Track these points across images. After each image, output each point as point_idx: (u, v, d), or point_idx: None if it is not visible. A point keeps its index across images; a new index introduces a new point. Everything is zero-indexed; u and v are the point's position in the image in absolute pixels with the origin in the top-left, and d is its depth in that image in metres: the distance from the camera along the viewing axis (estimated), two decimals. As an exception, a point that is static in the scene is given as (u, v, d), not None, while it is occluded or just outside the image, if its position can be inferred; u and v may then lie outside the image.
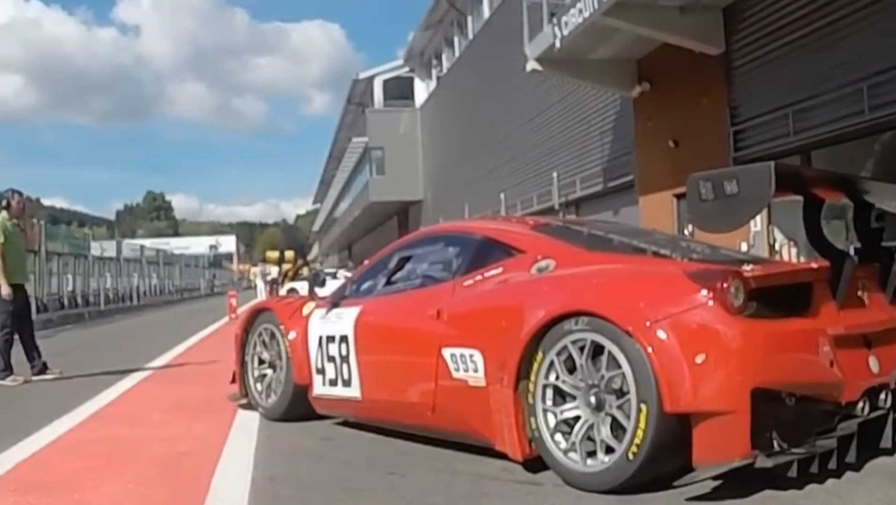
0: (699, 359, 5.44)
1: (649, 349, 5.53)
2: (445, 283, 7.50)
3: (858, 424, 5.94)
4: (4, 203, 13.85)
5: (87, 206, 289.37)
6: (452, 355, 6.79)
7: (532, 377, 6.16)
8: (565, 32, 23.10)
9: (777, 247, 20.88)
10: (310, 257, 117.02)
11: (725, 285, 5.51)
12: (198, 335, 22.17)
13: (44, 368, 13.74)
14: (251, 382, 9.34)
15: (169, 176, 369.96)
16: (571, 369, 6.02)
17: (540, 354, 6.11)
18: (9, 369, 13.34)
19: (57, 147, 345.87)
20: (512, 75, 36.37)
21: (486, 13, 45.74)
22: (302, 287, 47.82)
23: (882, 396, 6.14)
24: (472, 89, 47.44)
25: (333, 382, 8.19)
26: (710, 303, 5.52)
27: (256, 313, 9.42)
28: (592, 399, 5.88)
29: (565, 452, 6.00)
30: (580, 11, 21.90)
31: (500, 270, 7.09)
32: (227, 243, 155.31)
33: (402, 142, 61.72)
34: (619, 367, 5.69)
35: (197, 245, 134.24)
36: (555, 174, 34.58)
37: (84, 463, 7.16)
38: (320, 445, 7.58)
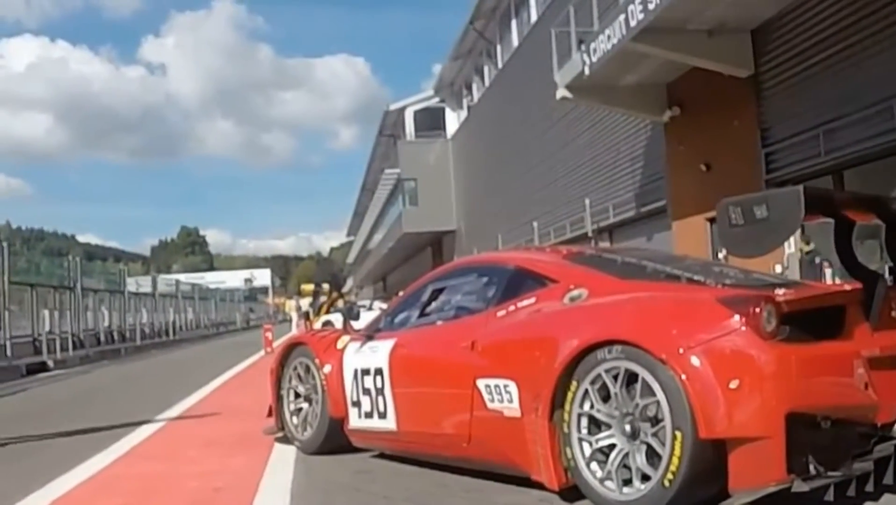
0: (733, 385, 5.39)
1: (683, 376, 5.49)
2: (479, 314, 7.46)
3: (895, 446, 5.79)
4: None
5: (120, 242, 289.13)
6: (487, 386, 6.75)
7: (566, 406, 6.10)
8: (594, 59, 23.11)
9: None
10: (345, 290, 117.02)
11: (758, 310, 5.45)
12: (233, 369, 22.20)
13: None
14: (287, 415, 9.32)
15: (202, 211, 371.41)
16: (606, 398, 5.97)
17: (574, 384, 6.06)
18: None
19: (88, 184, 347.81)
20: (542, 103, 36.37)
21: (515, 42, 45.79)
22: (337, 319, 47.90)
23: None
24: (502, 118, 47.49)
25: (369, 415, 8.16)
26: (743, 328, 5.46)
27: (292, 347, 9.42)
28: (627, 427, 5.83)
29: (601, 480, 5.93)
30: (608, 38, 21.90)
31: (533, 300, 7.05)
32: (262, 277, 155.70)
33: (435, 172, 61.78)
34: (654, 394, 5.65)
35: (232, 279, 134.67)
36: (587, 201, 34.51)
37: (119, 500, 7.16)
38: (357, 478, 7.56)
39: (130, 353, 38.86)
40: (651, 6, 19.49)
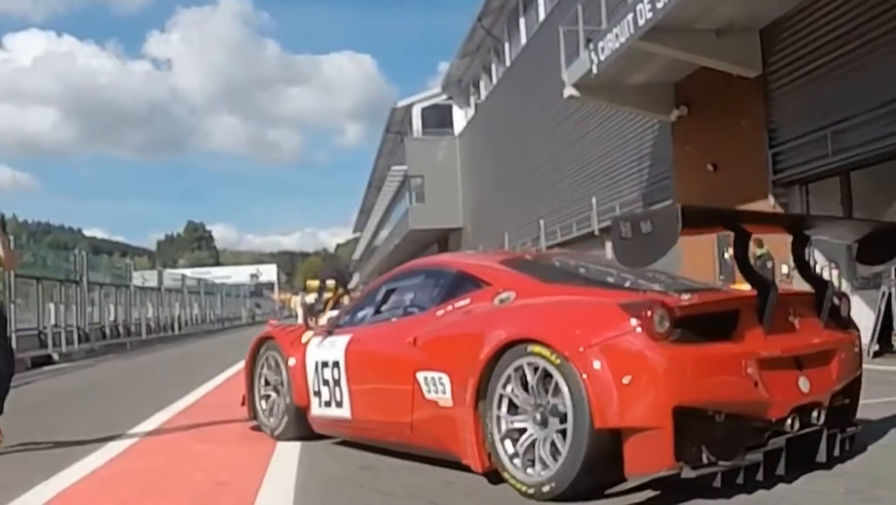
0: (626, 380, 5.95)
1: (583, 372, 6.06)
2: (423, 312, 8.16)
3: (794, 439, 6.44)
4: None
5: (127, 236, 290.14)
6: (425, 378, 7.36)
7: (489, 393, 6.68)
8: (602, 58, 23.12)
9: (818, 269, 20.75)
10: (350, 286, 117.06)
11: (650, 314, 5.99)
12: (238, 365, 22.13)
13: None
14: (257, 404, 10.05)
15: (208, 206, 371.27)
16: (524, 387, 6.51)
17: (496, 376, 6.65)
18: None
19: (95, 179, 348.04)
20: (550, 101, 36.40)
21: (524, 40, 45.81)
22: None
23: (814, 413, 6.59)
24: (510, 116, 47.49)
25: (328, 404, 8.82)
26: (638, 330, 6.01)
27: (262, 341, 10.12)
28: (538, 416, 6.42)
29: (511, 457, 6.52)
30: (616, 37, 21.91)
31: (468, 300, 7.73)
32: (268, 272, 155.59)
33: (442, 169, 61.88)
34: (560, 388, 6.21)
35: (238, 274, 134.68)
36: (593, 200, 34.54)
37: (123, 494, 7.15)
38: (361, 474, 7.54)
39: (136, 347, 38.79)
40: (660, 5, 19.50)
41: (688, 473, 5.89)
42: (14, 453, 9.03)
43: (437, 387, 7.27)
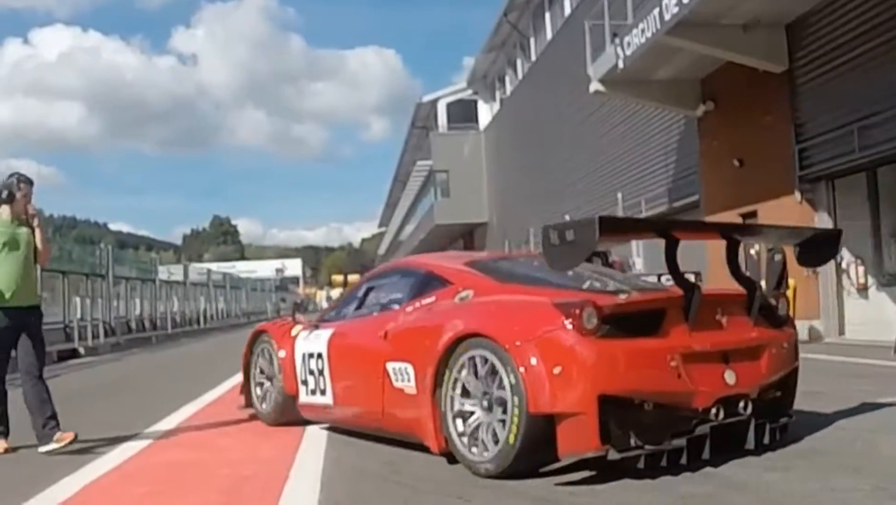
0: (556, 371, 6.71)
1: (520, 365, 6.84)
2: (394, 309, 9.04)
3: (723, 426, 7.12)
4: (5, 194, 9.42)
5: (152, 231, 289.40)
6: (394, 369, 8.22)
7: (444, 378, 7.51)
8: (628, 53, 23.08)
9: (844, 265, 20.72)
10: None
11: (579, 312, 6.73)
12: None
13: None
14: (252, 392, 10.93)
15: (233, 201, 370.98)
16: (475, 375, 7.32)
17: (451, 365, 7.49)
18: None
19: (121, 173, 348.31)
20: (575, 96, 36.32)
21: (549, 34, 45.71)
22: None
23: (741, 404, 7.23)
24: (535, 111, 47.42)
25: (313, 392, 9.72)
26: (569, 326, 6.76)
27: (258, 335, 11.12)
28: (485, 403, 7.21)
29: (460, 435, 7.35)
30: (642, 31, 21.87)
31: (433, 298, 8.57)
32: (293, 267, 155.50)
33: (467, 164, 61.85)
34: (502, 377, 6.98)
35: (263, 269, 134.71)
36: (619, 195, 34.45)
37: (148, 488, 7.18)
38: (386, 468, 7.58)
39: (161, 341, 38.91)
40: (686, 0, 19.45)
41: (613, 454, 6.60)
42: (38, 447, 9.06)
43: (403, 376, 8.12)
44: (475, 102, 65.25)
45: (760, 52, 21.38)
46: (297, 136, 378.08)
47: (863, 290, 20.51)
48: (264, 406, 10.64)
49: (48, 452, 8.86)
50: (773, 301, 8.19)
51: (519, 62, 53.84)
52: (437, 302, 8.50)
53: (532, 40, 50.10)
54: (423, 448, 7.83)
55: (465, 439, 7.31)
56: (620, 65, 23.79)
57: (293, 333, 10.35)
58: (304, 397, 9.93)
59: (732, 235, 8.46)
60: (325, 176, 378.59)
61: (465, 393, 7.41)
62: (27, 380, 9.23)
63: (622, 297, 7.32)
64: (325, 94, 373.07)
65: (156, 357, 27.33)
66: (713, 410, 7.04)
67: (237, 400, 11.27)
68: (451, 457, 7.44)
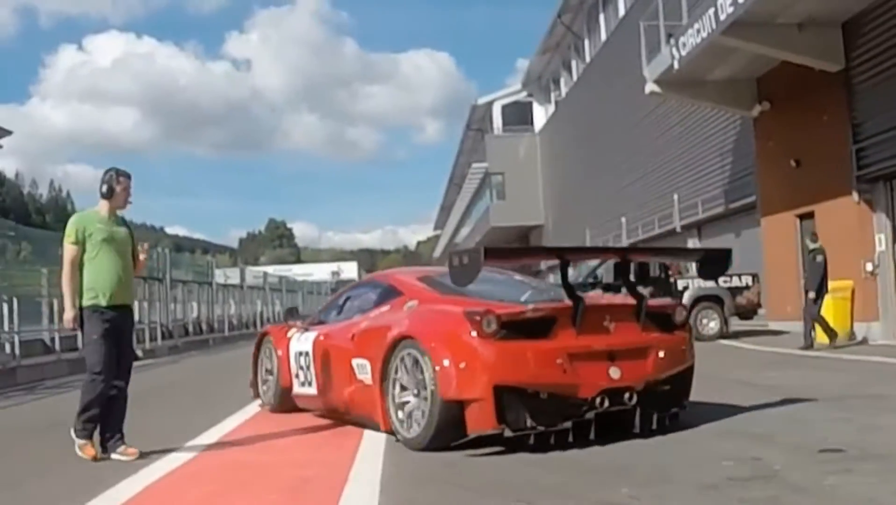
0: (461, 365, 8.42)
1: (436, 362, 8.54)
2: (363, 315, 10.83)
3: (614, 413, 8.63)
4: (105, 189, 9.18)
5: (208, 234, 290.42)
6: (357, 364, 10.00)
7: (389, 376, 9.22)
8: (683, 53, 23.02)
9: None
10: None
11: (480, 319, 8.41)
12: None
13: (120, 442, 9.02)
14: (259, 385, 12.92)
15: (288, 204, 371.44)
16: (406, 371, 9.01)
17: (392, 362, 9.20)
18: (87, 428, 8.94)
19: (176, 178, 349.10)
20: (631, 97, 36.26)
21: (604, 36, 45.67)
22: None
23: (626, 395, 8.68)
24: (590, 112, 47.36)
25: (303, 384, 11.63)
26: (473, 331, 8.44)
27: (263, 336, 13.22)
28: (416, 391, 8.89)
29: (400, 422, 9.03)
30: (698, 32, 21.81)
31: (389, 307, 10.41)
32: (349, 270, 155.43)
33: (522, 167, 61.75)
34: (425, 370, 8.65)
35: (319, 272, 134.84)
36: (676, 196, 34.41)
37: (210, 488, 7.25)
38: (446, 470, 7.60)
39: (218, 343, 39.11)
40: (741, 0, 19.38)
41: (508, 433, 8.26)
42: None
43: (363, 370, 9.84)
44: (530, 104, 65.18)
45: (816, 51, 21.26)
46: (351, 139, 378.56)
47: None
48: (267, 397, 12.55)
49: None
50: (670, 311, 9.71)
51: (574, 63, 53.81)
52: (390, 310, 10.30)
53: (586, 41, 50.05)
54: (487, 452, 7.93)
55: (402, 420, 9.02)
56: (676, 65, 23.74)
57: (288, 334, 12.28)
58: (296, 389, 11.83)
59: (626, 256, 10.71)
60: (379, 179, 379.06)
61: (402, 383, 9.09)
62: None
63: (528, 306, 8.95)
64: (378, 97, 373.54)
65: (213, 360, 27.48)
66: (598, 400, 8.54)
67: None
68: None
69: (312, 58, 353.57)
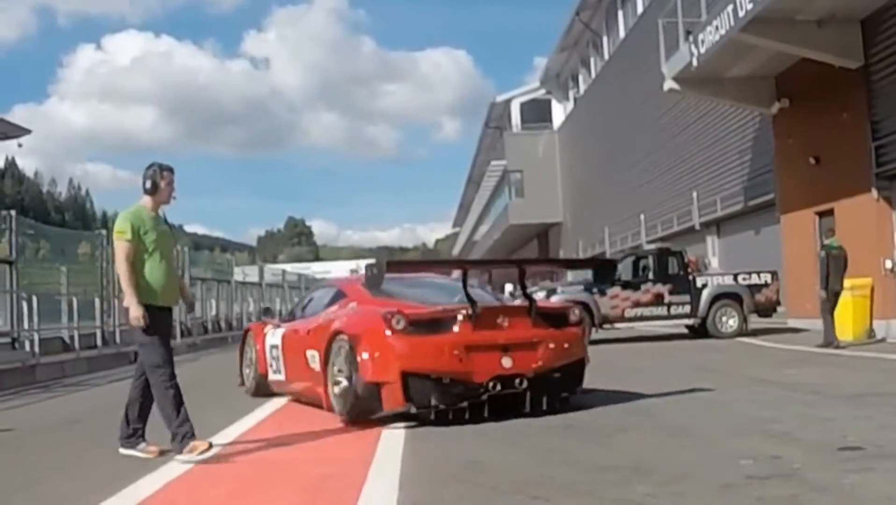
0: (377, 355, 10.27)
1: (358, 352, 10.39)
2: (318, 314, 12.69)
3: (493, 396, 10.36)
4: (149, 185, 9.04)
5: (227, 232, 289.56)
6: (310, 355, 11.77)
7: (329, 363, 10.97)
8: (702, 50, 22.99)
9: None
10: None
11: (391, 317, 10.29)
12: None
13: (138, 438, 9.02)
14: (243, 373, 15.19)
15: (307, 202, 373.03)
16: (343, 359, 10.70)
17: (332, 351, 10.94)
18: (185, 426, 8.60)
19: (195, 176, 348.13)
20: (649, 94, 36.23)
21: (622, 33, 45.64)
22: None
23: (517, 381, 10.42)
24: (609, 110, 47.32)
25: (275, 372, 13.60)
26: (387, 329, 10.30)
27: (246, 332, 15.61)
28: (347, 375, 10.56)
29: (335, 398, 10.84)
30: (716, 29, 21.78)
31: (337, 307, 12.34)
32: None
33: (541, 164, 61.76)
34: (353, 359, 10.44)
35: (338, 269, 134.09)
36: (694, 194, 34.37)
37: (230, 486, 7.26)
38: (465, 468, 7.59)
39: (237, 341, 39.07)
40: (760, -3, 19.36)
41: (412, 409, 10.12)
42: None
43: (314, 359, 11.60)
44: (549, 102, 65.15)
45: (835, 48, 21.20)
46: (370, 138, 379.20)
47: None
48: (249, 383, 14.70)
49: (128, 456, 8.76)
50: (565, 311, 11.77)
51: (592, 61, 53.77)
52: (337, 309, 12.22)
53: (605, 39, 50.03)
54: (506, 451, 7.91)
55: (336, 397, 10.80)
56: (694, 63, 23.72)
57: (265, 330, 14.40)
58: (270, 376, 13.83)
59: (521, 267, 12.40)
60: (397, 177, 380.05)
61: (338, 368, 10.80)
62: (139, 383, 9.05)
63: (434, 307, 10.94)
64: (396, 95, 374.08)
65: (231, 357, 27.39)
66: (491, 384, 10.31)
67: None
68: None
69: (330, 56, 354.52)
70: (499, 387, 10.28)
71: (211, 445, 8.44)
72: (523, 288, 12.33)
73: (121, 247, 8.74)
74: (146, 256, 8.77)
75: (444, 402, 10.12)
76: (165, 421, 8.61)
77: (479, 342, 10.39)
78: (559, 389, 10.94)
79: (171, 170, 9.13)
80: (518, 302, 12.50)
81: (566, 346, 11.00)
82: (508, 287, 56.67)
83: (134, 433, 8.94)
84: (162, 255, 8.91)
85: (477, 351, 10.33)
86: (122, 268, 8.71)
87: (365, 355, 10.25)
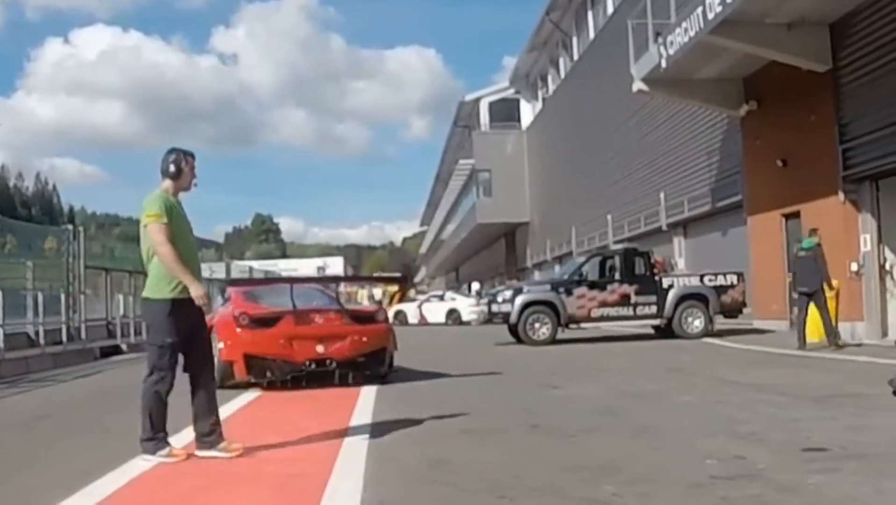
0: (228, 342, 14.19)
1: (219, 341, 13.99)
2: (216, 312, 15.42)
3: (311, 372, 14.28)
4: (173, 169, 8.66)
5: (194, 228, 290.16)
6: (214, 337, 13.34)
7: (213, 348, 11.95)
8: (671, 52, 23.05)
9: (888, 266, 20.61)
10: (416, 280, 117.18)
11: (238, 316, 14.34)
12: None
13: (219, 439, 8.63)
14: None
15: (275, 199, 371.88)
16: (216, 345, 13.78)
17: (212, 339, 12.06)
18: (160, 434, 8.44)
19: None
20: (618, 95, 36.29)
21: (592, 34, 45.71)
22: (409, 309, 48.01)
23: (328, 362, 14.32)
24: (578, 110, 47.41)
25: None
26: (234, 323, 14.33)
27: (211, 327, 16.26)
28: (217, 356, 13.40)
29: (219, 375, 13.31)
30: (686, 31, 21.84)
31: (224, 307, 15.81)
32: (335, 265, 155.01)
33: (509, 164, 61.84)
34: (217, 346, 13.72)
35: (305, 267, 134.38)
36: (662, 195, 34.47)
37: (196, 483, 7.23)
38: (430, 467, 7.56)
39: (204, 338, 39.00)
40: (729, -1, 19.41)
41: (249, 380, 14.09)
42: (90, 440, 9.12)
43: (216, 343, 13.86)
44: (517, 101, 65.28)
45: (804, 51, 21.28)
46: (339, 135, 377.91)
47: (906, 291, 20.43)
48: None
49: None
50: (372, 312, 16.79)
51: (561, 61, 53.86)
52: (222, 309, 15.77)
53: (575, 39, 50.10)
54: (472, 450, 7.89)
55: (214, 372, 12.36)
56: (663, 64, 23.78)
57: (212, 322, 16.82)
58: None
59: (337, 283, 17.13)
60: (366, 175, 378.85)
61: (215, 352, 13.43)
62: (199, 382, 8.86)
63: (271, 309, 14.79)
64: (366, 93, 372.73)
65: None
66: (308, 364, 14.26)
67: (281, 397, 11.67)
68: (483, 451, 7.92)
69: (300, 53, 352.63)
70: (314, 366, 14.35)
71: (189, 455, 8.26)
72: (337, 300, 16.93)
73: (159, 229, 8.28)
74: (177, 242, 8.36)
75: (275, 376, 14.35)
76: (144, 429, 8.39)
77: (300, 334, 14.46)
78: (363, 370, 14.97)
79: (193, 156, 8.84)
80: (369, 305, 18.81)
81: (368, 339, 15.01)
82: (475, 286, 56.96)
83: (211, 432, 8.61)
84: (188, 242, 8.59)
85: (298, 340, 14.38)
86: (165, 251, 8.22)
87: (220, 344, 14.30)
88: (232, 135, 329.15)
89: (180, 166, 8.61)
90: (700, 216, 31.80)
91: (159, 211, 8.29)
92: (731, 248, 28.40)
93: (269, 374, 14.24)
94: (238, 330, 14.37)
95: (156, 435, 8.32)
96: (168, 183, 8.62)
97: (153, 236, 8.25)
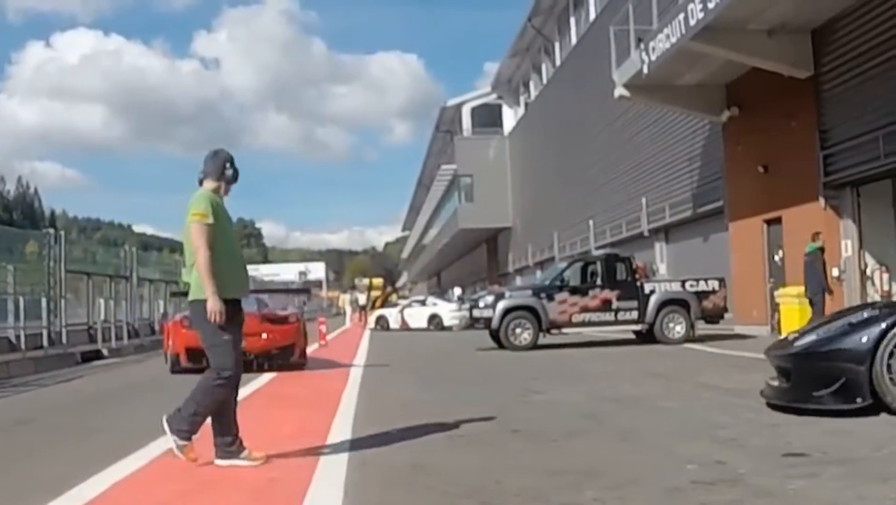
0: (176, 340, 19.50)
1: (169, 338, 20.34)
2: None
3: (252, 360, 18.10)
4: (230, 170, 8.39)
5: (176, 232, 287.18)
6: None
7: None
8: (653, 58, 23.09)
9: (868, 272, 20.67)
10: (398, 284, 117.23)
11: (180, 319, 19.34)
12: (283, 368, 22.26)
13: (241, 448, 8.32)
14: (166, 354, 21.74)
15: (257, 204, 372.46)
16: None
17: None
18: (232, 437, 8.38)
19: (145, 176, 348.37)
20: (600, 101, 36.35)
21: (574, 39, 45.74)
22: (390, 314, 47.94)
23: (248, 354, 15.62)
24: (560, 115, 47.43)
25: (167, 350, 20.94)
26: (181, 325, 19.14)
27: (164, 326, 23.28)
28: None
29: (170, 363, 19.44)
30: (667, 37, 21.88)
31: (179, 314, 21.27)
32: (317, 270, 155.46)
33: (491, 169, 61.88)
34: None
35: (286, 272, 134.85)
36: (643, 200, 34.50)
37: (176, 487, 7.19)
38: (412, 472, 7.55)
39: (185, 342, 38.89)
40: (711, 5, 19.45)
41: (191, 365, 17.97)
42: (71, 444, 9.09)
43: (167, 340, 20.25)
44: (500, 107, 65.34)
45: (786, 57, 21.35)
46: (321, 140, 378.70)
47: (887, 297, 20.44)
48: (169, 362, 20.56)
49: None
50: (286, 315, 20.74)
51: (544, 67, 53.89)
52: (177, 315, 20.85)
53: (557, 45, 50.16)
54: (454, 454, 7.87)
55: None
56: (645, 70, 23.82)
57: (170, 322, 21.64)
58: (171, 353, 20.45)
59: (274, 292, 23.46)
60: (348, 179, 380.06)
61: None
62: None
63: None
64: (348, 97, 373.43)
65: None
66: (252, 356, 17.77)
67: (263, 402, 11.44)
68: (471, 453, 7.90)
69: (281, 57, 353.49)
70: (252, 355, 18.04)
71: (197, 460, 8.04)
72: (267, 306, 21.26)
73: (203, 231, 7.91)
74: (226, 243, 8.16)
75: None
76: (186, 414, 8.24)
77: (247, 333, 14.65)
78: (276, 361, 19.28)
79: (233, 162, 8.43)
80: (287, 310, 23.11)
81: (281, 336, 19.46)
82: (457, 291, 56.92)
83: (234, 441, 8.32)
84: (231, 240, 8.35)
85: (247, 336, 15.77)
86: (203, 255, 7.89)
87: (170, 341, 19.70)
88: (213, 139, 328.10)
89: (235, 166, 8.39)
90: (681, 222, 31.84)
91: (205, 210, 7.96)
92: (712, 253, 28.44)
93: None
94: (183, 330, 18.65)
95: (189, 430, 8.21)
96: (217, 184, 8.29)
97: (194, 238, 7.95)
